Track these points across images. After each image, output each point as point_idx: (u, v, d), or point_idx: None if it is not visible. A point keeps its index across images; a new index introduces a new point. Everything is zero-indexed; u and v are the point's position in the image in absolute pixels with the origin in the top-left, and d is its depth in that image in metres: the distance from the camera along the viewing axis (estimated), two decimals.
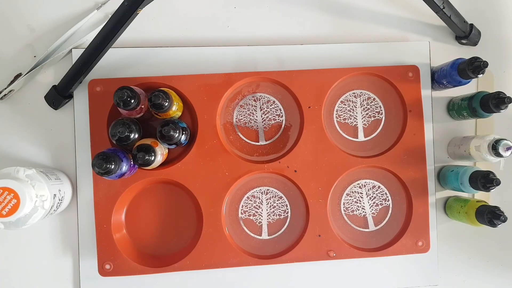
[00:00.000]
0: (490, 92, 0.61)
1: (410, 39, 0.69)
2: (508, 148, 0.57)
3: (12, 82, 0.64)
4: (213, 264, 0.62)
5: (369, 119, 0.66)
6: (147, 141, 0.58)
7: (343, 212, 0.66)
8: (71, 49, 0.64)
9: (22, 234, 0.64)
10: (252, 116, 0.65)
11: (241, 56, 0.66)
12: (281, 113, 0.66)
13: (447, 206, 0.67)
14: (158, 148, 0.58)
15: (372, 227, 0.66)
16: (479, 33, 0.68)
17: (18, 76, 0.64)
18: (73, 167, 0.64)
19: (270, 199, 0.65)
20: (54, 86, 0.63)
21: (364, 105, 0.66)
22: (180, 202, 0.64)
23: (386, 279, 0.66)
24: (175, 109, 0.59)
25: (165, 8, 0.66)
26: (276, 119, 0.66)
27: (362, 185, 0.66)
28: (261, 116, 0.66)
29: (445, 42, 0.69)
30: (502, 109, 0.59)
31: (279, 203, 0.65)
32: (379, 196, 0.66)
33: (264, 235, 0.65)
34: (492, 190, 0.57)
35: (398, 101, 0.66)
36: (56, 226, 0.64)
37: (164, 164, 0.63)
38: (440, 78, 0.64)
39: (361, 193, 0.66)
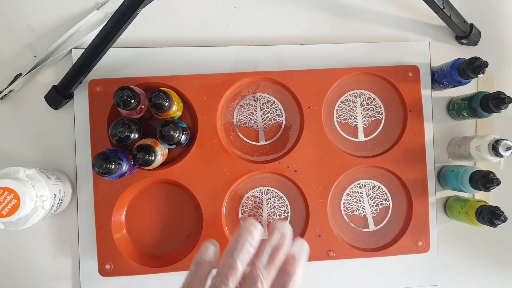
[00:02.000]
0: (490, 92, 0.60)
1: (410, 39, 0.69)
2: (508, 148, 0.57)
3: (12, 82, 0.64)
4: None
5: (369, 119, 0.66)
6: (147, 141, 0.58)
7: (343, 212, 0.66)
8: (71, 49, 0.64)
9: (22, 234, 0.64)
10: (252, 116, 0.65)
11: (241, 56, 0.66)
12: (281, 113, 0.66)
13: (447, 206, 0.67)
14: (158, 148, 0.58)
15: (372, 227, 0.66)
16: (479, 33, 0.68)
17: (18, 76, 0.64)
18: (73, 167, 0.64)
19: (270, 199, 0.65)
20: (54, 86, 0.63)
21: (364, 105, 0.66)
22: (180, 202, 0.64)
23: (386, 279, 0.66)
24: (175, 109, 0.59)
25: (165, 8, 0.66)
26: (276, 119, 0.66)
27: (362, 185, 0.66)
28: (261, 116, 0.66)
29: (445, 42, 0.69)
30: (502, 109, 0.59)
31: (279, 203, 0.65)
32: (379, 196, 0.66)
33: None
34: (492, 190, 0.57)
35: (398, 101, 0.66)
36: (56, 226, 0.64)
37: (164, 164, 0.63)
38: (440, 78, 0.64)
39: (361, 193, 0.66)
